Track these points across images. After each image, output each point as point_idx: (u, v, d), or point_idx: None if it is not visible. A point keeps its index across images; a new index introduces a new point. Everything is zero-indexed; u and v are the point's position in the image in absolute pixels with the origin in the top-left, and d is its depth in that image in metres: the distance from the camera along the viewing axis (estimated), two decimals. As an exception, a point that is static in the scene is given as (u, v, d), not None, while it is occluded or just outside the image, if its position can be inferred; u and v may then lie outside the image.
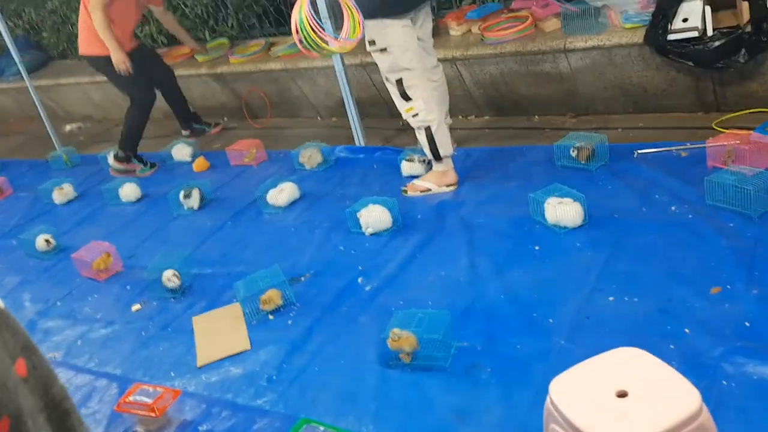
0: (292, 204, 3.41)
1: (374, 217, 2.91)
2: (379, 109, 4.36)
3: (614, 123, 3.44)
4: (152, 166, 4.44)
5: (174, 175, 4.21)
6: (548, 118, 3.72)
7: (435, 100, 3.09)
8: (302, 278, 2.74)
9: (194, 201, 3.61)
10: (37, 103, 5.28)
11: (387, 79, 3.08)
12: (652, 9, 3.12)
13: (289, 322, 2.47)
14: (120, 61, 4.08)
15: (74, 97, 6.19)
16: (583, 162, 3.03)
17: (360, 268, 2.70)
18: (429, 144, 3.08)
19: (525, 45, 3.51)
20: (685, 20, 2.96)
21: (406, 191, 3.26)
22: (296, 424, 1.82)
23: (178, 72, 4.93)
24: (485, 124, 3.91)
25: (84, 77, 5.88)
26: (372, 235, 2.91)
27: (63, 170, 4.87)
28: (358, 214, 2.96)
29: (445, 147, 3.10)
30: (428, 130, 3.05)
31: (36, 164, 5.20)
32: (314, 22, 2.59)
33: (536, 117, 3.78)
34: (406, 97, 3.04)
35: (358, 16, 2.65)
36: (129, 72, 4.13)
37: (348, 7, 2.63)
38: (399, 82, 3.02)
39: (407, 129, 4.15)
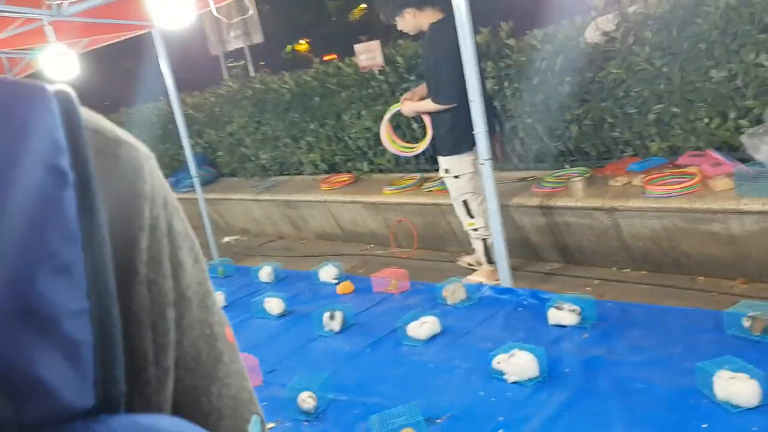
0: (433, 338, 3.35)
1: (519, 364, 2.77)
2: (527, 250, 4.31)
3: (794, 294, 3.13)
4: None
5: (318, 295, 4.33)
6: (715, 281, 3.46)
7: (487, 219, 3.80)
8: (439, 420, 2.62)
9: (337, 323, 3.66)
10: (204, 214, 5.75)
11: (455, 199, 3.99)
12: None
13: (423, 467, 2.34)
14: None
15: (237, 211, 6.70)
16: (757, 334, 2.74)
17: (500, 418, 2.55)
18: (485, 251, 3.98)
19: (692, 202, 3.36)
20: None
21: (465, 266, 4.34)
22: None
23: (331, 197, 5.22)
24: (642, 279, 3.71)
25: (248, 195, 6.38)
26: (514, 383, 2.76)
27: (217, 279, 5.17)
28: (498, 359, 2.83)
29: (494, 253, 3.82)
30: (485, 241, 3.95)
31: (194, 269, 5.56)
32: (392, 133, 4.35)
33: (701, 278, 3.53)
34: (470, 215, 3.97)
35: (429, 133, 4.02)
36: None
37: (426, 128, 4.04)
38: (465, 203, 3.95)
39: (556, 274, 4.04)
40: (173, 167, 7.86)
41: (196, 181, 5.71)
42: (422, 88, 4.13)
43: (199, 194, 5.74)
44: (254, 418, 0.48)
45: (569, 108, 4.23)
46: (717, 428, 2.25)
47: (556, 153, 4.49)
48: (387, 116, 4.25)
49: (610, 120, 4.06)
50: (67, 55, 4.55)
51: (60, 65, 4.50)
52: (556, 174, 4.28)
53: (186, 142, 5.60)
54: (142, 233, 0.40)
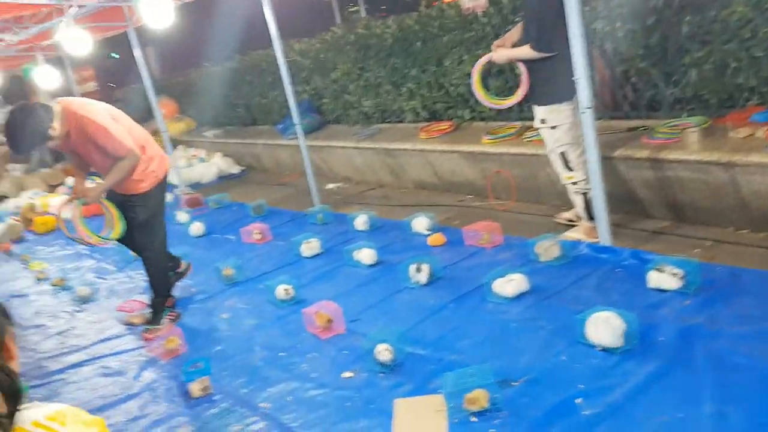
0: (519, 296, 3.22)
1: (608, 329, 2.60)
2: (632, 206, 4.01)
3: None
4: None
5: (409, 246, 4.29)
6: None
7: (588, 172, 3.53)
8: (515, 383, 2.52)
9: (423, 276, 3.61)
10: (306, 161, 5.82)
11: (552, 151, 3.78)
12: None
13: (493, 430, 2.26)
14: None
15: (340, 159, 6.75)
16: None
17: (581, 386, 2.41)
18: (585, 207, 3.74)
19: (825, 158, 2.95)
20: None
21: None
22: None
23: (429, 146, 5.10)
24: (760, 242, 3.35)
25: (350, 142, 6.39)
26: (602, 350, 2.60)
27: (316, 225, 5.26)
28: (589, 323, 2.67)
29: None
30: (585, 195, 3.71)
31: (296, 216, 5.70)
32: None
33: (830, 243, 3.14)
34: (568, 168, 3.74)
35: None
36: None
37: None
38: (563, 155, 3.72)
39: (663, 233, 3.75)
40: (282, 114, 8.02)
41: (299, 129, 5.76)
42: (513, 33, 3.88)
43: (302, 141, 5.80)
44: None
45: (688, 50, 3.82)
46: (828, 415, 2.00)
47: (671, 100, 4.09)
48: (478, 66, 4.04)
49: (734, 64, 3.61)
50: (163, 3, 4.67)
51: (156, 13, 4.65)
52: (671, 124, 3.91)
53: (289, 90, 5.64)
54: None
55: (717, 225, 3.64)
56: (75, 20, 6.47)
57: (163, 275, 3.97)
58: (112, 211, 3.72)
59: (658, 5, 3.85)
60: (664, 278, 2.99)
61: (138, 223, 3.75)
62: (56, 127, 3.42)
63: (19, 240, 7.23)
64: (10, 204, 8.80)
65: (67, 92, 8.93)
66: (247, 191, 7.39)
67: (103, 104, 3.66)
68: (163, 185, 3.86)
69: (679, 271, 2.96)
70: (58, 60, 9.54)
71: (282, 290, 3.78)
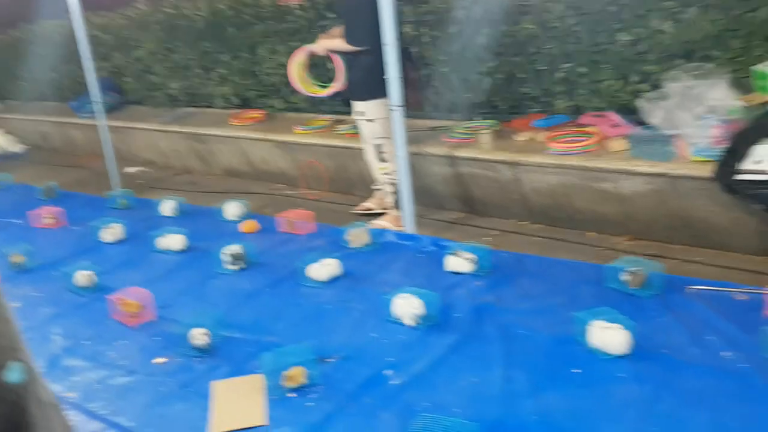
0: (333, 281, 3.38)
1: (412, 308, 2.85)
2: (432, 199, 4.38)
3: (672, 253, 3.35)
4: None
5: (222, 233, 4.25)
6: (603, 237, 3.65)
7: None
8: (330, 359, 2.67)
9: (237, 262, 3.62)
10: (106, 142, 5.47)
11: (368, 143, 4.06)
12: (724, 145, 3.09)
13: (310, 404, 2.39)
14: None
15: (142, 141, 6.43)
16: (634, 288, 2.93)
17: (390, 359, 2.62)
18: (393, 196, 4.04)
19: (589, 160, 3.49)
20: (758, 162, 2.90)
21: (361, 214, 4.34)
22: None
23: (242, 133, 5.09)
24: (537, 232, 3.86)
25: (155, 125, 6.13)
26: (408, 327, 2.85)
27: (117, 210, 4.98)
28: (394, 302, 2.91)
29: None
30: (394, 185, 3.98)
31: (94, 200, 5.34)
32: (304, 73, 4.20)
33: (591, 234, 3.71)
34: (382, 159, 4.04)
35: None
36: None
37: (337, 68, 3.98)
38: (377, 146, 4.01)
39: (458, 224, 4.14)
40: (76, 90, 7.41)
41: (98, 107, 5.41)
42: (339, 29, 4.05)
43: (101, 121, 5.44)
44: (14, 364, 0.46)
45: (483, 60, 4.26)
46: (588, 373, 2.41)
47: (468, 104, 4.53)
48: (298, 54, 4.14)
49: (520, 75, 4.12)
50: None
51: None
52: (466, 125, 4.33)
53: (90, 65, 5.27)
54: None
55: (503, 217, 4.11)
56: None
57: None
58: None
59: (460, 17, 4.25)
60: (459, 262, 3.34)
61: None
62: None
63: None
64: None
65: None
66: (34, 172, 6.72)
67: None
68: None
69: (473, 256, 3.32)
70: None
71: (82, 276, 3.56)
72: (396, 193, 3.98)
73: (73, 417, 2.44)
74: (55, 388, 2.60)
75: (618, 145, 3.54)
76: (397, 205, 4.01)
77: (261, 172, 5.45)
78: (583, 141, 3.60)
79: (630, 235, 3.58)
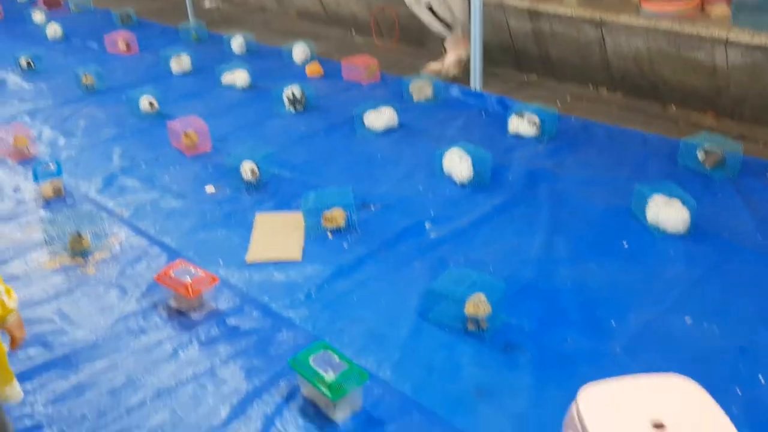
0: (388, 131, 3.29)
1: (463, 165, 2.74)
2: (506, 56, 4.11)
3: (758, 135, 3.05)
4: None
5: (286, 74, 4.17)
6: (687, 112, 3.35)
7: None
8: (372, 206, 2.64)
9: (297, 103, 3.57)
10: (182, -28, 5.34)
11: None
12: None
13: (346, 246, 2.39)
14: None
15: (219, -25, 6.25)
16: (708, 167, 2.71)
17: (432, 212, 2.57)
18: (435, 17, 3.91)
19: (683, 26, 3.13)
20: None
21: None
22: (313, 346, 1.75)
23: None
24: (616, 101, 3.59)
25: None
26: (456, 184, 2.76)
27: (188, 42, 4.95)
28: (445, 156, 2.81)
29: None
30: (429, 5, 3.87)
31: (167, 30, 5.32)
32: None
33: (673, 107, 3.42)
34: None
35: None
36: None
37: None
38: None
39: (532, 85, 3.90)
40: None
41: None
42: None
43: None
44: None
45: None
46: (637, 248, 2.29)
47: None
48: None
49: None
50: None
51: None
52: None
53: None
54: None
55: (580, 82, 3.82)
56: None
57: None
58: None
59: None
60: (522, 124, 3.16)
61: None
62: None
63: None
64: None
65: None
66: (113, -1, 6.73)
67: None
68: None
69: (537, 119, 3.13)
70: None
71: (146, 102, 3.60)
72: (435, 13, 3.90)
73: (122, 233, 2.55)
74: (109, 204, 2.72)
75: (720, 10, 3.14)
76: (448, 25, 3.95)
77: (334, 15, 5.23)
78: (680, 2, 3.21)
79: (715, 111, 3.27)
